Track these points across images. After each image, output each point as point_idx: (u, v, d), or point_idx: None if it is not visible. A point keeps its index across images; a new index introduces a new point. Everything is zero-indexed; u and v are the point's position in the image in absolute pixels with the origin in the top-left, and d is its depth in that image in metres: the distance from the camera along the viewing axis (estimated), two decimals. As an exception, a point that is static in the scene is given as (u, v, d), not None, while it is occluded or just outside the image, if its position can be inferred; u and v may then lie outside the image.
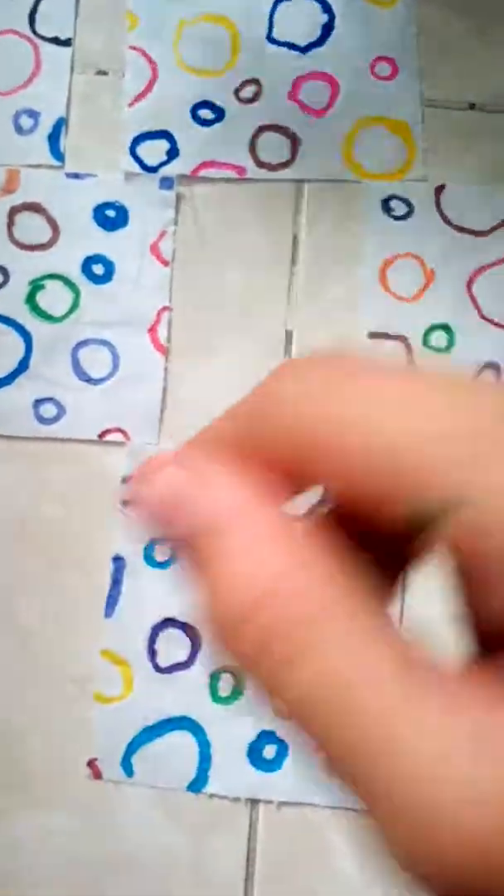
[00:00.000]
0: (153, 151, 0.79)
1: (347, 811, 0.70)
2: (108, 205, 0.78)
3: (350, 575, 0.19)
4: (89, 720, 0.70)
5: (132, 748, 0.70)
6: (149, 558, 0.72)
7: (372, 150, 0.80)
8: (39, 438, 0.74)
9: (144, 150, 0.79)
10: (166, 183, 0.78)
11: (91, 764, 0.70)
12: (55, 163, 0.78)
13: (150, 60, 0.80)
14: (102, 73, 0.81)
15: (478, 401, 0.19)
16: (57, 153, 0.78)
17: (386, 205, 0.79)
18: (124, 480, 0.73)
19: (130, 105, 0.80)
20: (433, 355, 0.76)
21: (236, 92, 0.80)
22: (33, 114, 0.79)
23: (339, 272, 0.78)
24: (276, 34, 0.82)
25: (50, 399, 0.74)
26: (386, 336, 0.76)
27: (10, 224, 0.77)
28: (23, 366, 0.75)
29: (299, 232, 0.78)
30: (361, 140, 0.80)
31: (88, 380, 0.75)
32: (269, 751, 0.70)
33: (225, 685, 0.71)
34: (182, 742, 0.70)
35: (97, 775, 0.70)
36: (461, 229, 0.79)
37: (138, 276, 0.77)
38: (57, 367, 0.75)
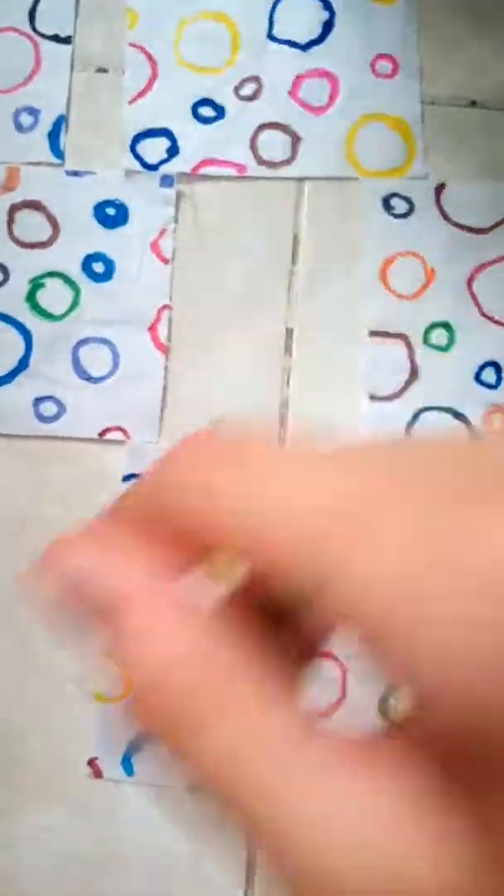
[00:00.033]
0: (153, 149, 0.79)
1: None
2: (108, 203, 0.78)
3: (251, 651, 0.20)
4: (89, 720, 0.70)
5: (132, 747, 0.70)
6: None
7: (372, 148, 0.80)
8: (39, 437, 0.74)
9: (145, 147, 0.79)
10: (166, 181, 0.78)
11: (91, 763, 0.70)
12: (55, 160, 0.78)
13: (151, 58, 0.80)
14: (102, 70, 0.80)
15: (354, 479, 0.19)
16: (57, 151, 0.78)
17: (386, 203, 0.79)
18: (125, 479, 0.73)
19: (130, 103, 0.79)
20: (434, 353, 0.76)
21: (237, 90, 0.80)
22: (33, 111, 0.79)
23: (339, 270, 0.78)
24: (276, 32, 0.82)
25: (50, 397, 0.74)
26: (386, 334, 0.76)
27: (10, 222, 0.77)
28: (23, 364, 0.75)
29: (300, 230, 0.78)
30: (362, 138, 0.80)
31: (88, 378, 0.75)
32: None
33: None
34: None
35: (97, 774, 0.70)
36: (462, 227, 0.78)
37: (138, 274, 0.77)
38: (57, 365, 0.75)
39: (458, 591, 0.16)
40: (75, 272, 0.76)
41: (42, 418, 0.74)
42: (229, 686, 0.19)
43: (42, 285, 0.76)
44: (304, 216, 0.78)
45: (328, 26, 0.82)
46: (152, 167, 0.78)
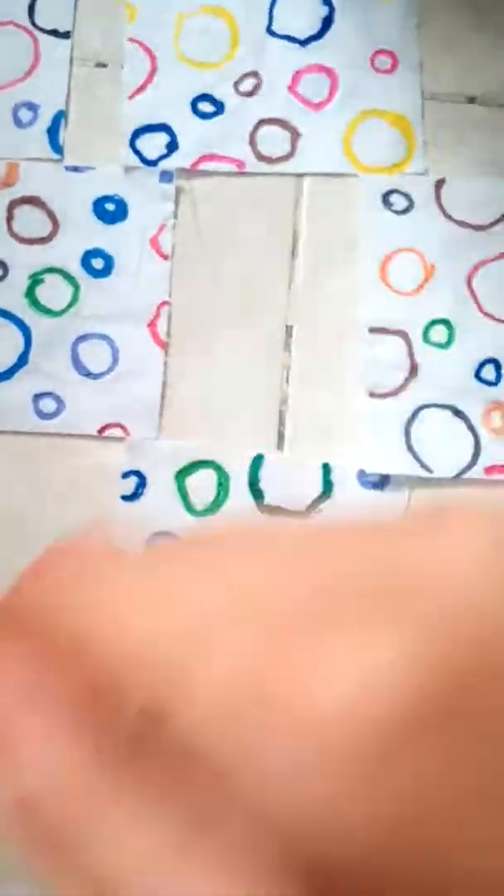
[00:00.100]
0: (153, 145, 0.78)
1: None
2: (107, 198, 0.77)
3: (119, 771, 0.20)
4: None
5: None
6: (149, 554, 0.72)
7: (372, 144, 0.80)
8: (38, 433, 0.74)
9: (144, 143, 0.78)
10: (166, 176, 0.78)
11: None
12: (54, 156, 0.78)
13: (150, 53, 0.80)
14: (102, 65, 0.80)
15: (198, 600, 0.19)
16: (56, 146, 0.78)
17: (386, 199, 0.79)
18: (124, 476, 0.73)
19: (130, 98, 0.79)
20: (434, 350, 0.76)
21: (236, 85, 0.80)
22: (32, 107, 0.78)
23: (338, 266, 0.78)
24: (275, 27, 0.81)
25: (49, 394, 0.74)
26: (386, 331, 0.76)
27: (10, 218, 0.77)
28: (22, 360, 0.75)
29: (299, 226, 0.78)
30: (361, 134, 0.80)
31: (88, 374, 0.75)
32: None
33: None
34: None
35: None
36: (462, 223, 0.78)
37: (138, 270, 0.76)
38: (56, 361, 0.75)
39: (278, 733, 0.16)
40: (75, 268, 0.76)
41: (41, 415, 0.74)
42: (102, 801, 0.19)
43: (41, 281, 0.76)
44: (303, 212, 0.78)
45: (328, 22, 0.82)
46: (151, 163, 0.78)
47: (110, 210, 0.77)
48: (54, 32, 0.80)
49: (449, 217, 0.78)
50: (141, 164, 0.78)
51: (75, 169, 0.78)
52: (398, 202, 0.79)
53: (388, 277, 0.77)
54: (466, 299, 0.77)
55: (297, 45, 0.81)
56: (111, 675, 0.19)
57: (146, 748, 0.20)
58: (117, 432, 0.74)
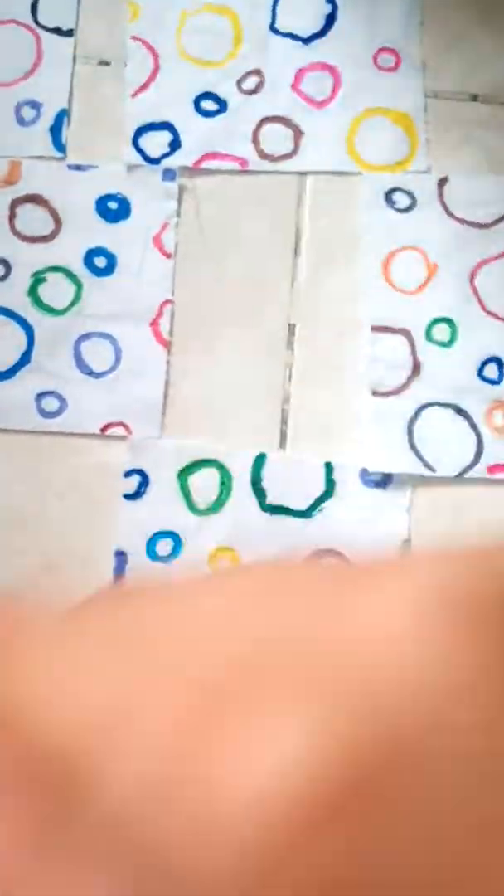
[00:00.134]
0: (155, 143, 0.78)
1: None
2: (110, 197, 0.77)
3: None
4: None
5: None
6: (151, 552, 0.72)
7: (375, 142, 0.80)
8: (41, 432, 0.74)
9: (147, 141, 0.78)
10: (169, 175, 0.78)
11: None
12: (57, 154, 0.78)
13: (153, 51, 0.80)
14: (104, 63, 0.80)
15: (115, 678, 0.18)
16: (59, 144, 0.78)
17: (388, 197, 0.78)
18: (126, 475, 0.73)
19: (133, 96, 0.79)
20: (436, 349, 0.76)
21: (239, 83, 0.80)
22: (35, 105, 0.78)
23: (341, 265, 0.77)
24: (278, 25, 0.81)
25: (52, 392, 0.74)
26: (388, 329, 0.76)
27: (12, 216, 0.77)
28: (25, 359, 0.75)
29: (302, 224, 0.78)
30: (364, 132, 0.80)
31: (90, 373, 0.75)
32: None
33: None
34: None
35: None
36: (464, 222, 0.78)
37: (140, 268, 0.76)
38: (59, 360, 0.75)
39: (185, 831, 0.16)
40: (77, 266, 0.76)
41: (44, 413, 0.74)
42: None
43: (44, 280, 0.76)
44: (306, 211, 0.78)
45: (331, 19, 0.82)
46: (154, 161, 0.78)
47: (113, 208, 0.77)
48: (57, 30, 0.80)
49: (452, 215, 0.78)
50: (144, 163, 0.78)
51: (78, 167, 0.78)
52: (401, 200, 0.79)
53: (391, 276, 0.77)
54: (469, 298, 0.77)
55: (300, 43, 0.81)
56: (27, 749, 0.18)
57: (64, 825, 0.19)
58: (120, 431, 0.74)
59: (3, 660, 0.19)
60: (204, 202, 0.78)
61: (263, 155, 0.79)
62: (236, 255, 0.77)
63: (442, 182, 0.79)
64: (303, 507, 0.73)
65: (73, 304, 0.76)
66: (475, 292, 0.77)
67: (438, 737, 0.16)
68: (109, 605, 0.21)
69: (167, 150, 0.78)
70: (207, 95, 0.80)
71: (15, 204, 0.77)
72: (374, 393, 0.75)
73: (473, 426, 0.74)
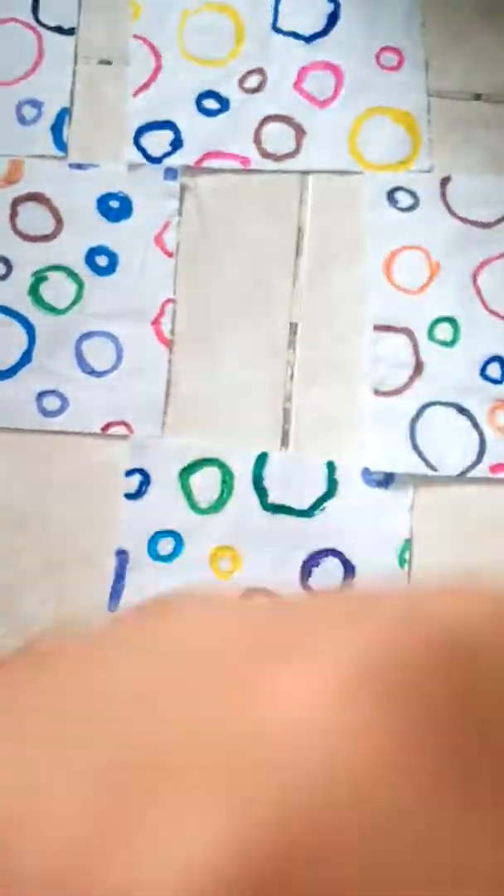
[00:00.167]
0: (157, 142, 0.78)
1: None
2: (111, 195, 0.77)
3: None
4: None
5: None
6: (152, 552, 0.72)
7: (377, 141, 0.79)
8: (42, 431, 0.74)
9: (148, 140, 0.78)
10: (170, 174, 0.78)
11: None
12: (58, 153, 0.78)
13: (154, 50, 0.80)
14: (106, 62, 0.80)
15: (34, 753, 0.17)
16: (60, 143, 0.78)
17: (391, 196, 0.78)
18: (128, 473, 0.73)
19: (134, 95, 0.79)
20: (439, 348, 0.75)
21: (241, 82, 0.80)
22: (36, 104, 0.78)
23: (343, 264, 0.77)
24: (280, 23, 0.81)
25: (53, 392, 0.74)
26: (391, 329, 0.76)
27: (14, 215, 0.76)
28: (26, 358, 0.74)
29: (304, 223, 0.78)
30: (366, 131, 0.80)
31: (92, 372, 0.75)
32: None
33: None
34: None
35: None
36: (467, 221, 0.78)
37: (142, 267, 0.76)
38: (60, 359, 0.75)
39: None
40: (78, 265, 0.76)
41: (45, 412, 0.74)
42: None
43: (45, 279, 0.76)
44: (308, 209, 0.78)
45: (333, 18, 0.81)
46: (156, 160, 0.78)
47: (114, 207, 0.77)
48: (58, 29, 0.80)
49: (454, 214, 0.78)
50: (145, 162, 0.78)
51: (79, 166, 0.78)
52: (403, 199, 0.78)
53: (393, 275, 0.77)
54: (472, 297, 0.76)
55: (303, 42, 0.81)
56: None
57: None
58: (121, 430, 0.74)
59: None
60: (205, 201, 0.78)
61: (265, 154, 0.79)
62: (238, 254, 0.77)
63: (444, 181, 0.79)
64: (304, 506, 0.73)
65: (74, 303, 0.76)
66: (478, 292, 0.77)
67: (356, 821, 0.15)
68: (21, 671, 0.20)
69: (169, 149, 0.78)
70: (209, 94, 0.80)
71: (16, 203, 0.77)
72: (376, 392, 0.75)
73: (476, 425, 0.74)
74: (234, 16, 0.81)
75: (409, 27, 0.81)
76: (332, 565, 0.72)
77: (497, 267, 0.77)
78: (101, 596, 0.71)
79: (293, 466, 0.73)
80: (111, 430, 0.74)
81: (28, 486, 0.73)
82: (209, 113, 0.79)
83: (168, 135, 0.78)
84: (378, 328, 0.76)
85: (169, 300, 0.76)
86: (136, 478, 0.73)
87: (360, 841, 0.15)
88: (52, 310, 0.75)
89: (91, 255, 0.76)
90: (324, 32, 0.81)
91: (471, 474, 0.73)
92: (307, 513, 0.73)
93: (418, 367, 0.75)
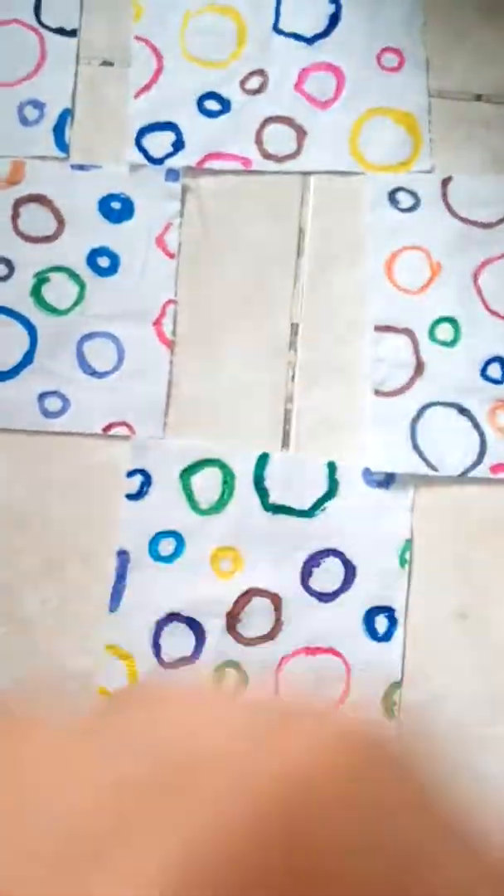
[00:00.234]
0: (159, 143, 0.78)
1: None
2: (113, 197, 0.77)
3: None
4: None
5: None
6: (153, 552, 0.72)
7: (378, 142, 0.80)
8: (44, 432, 0.74)
9: (150, 141, 0.78)
10: (172, 175, 0.78)
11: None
12: (60, 154, 0.78)
13: (156, 51, 0.80)
14: (108, 63, 0.80)
15: None
16: (62, 144, 0.78)
17: (392, 197, 0.78)
18: (129, 474, 0.73)
19: (136, 96, 0.79)
20: (439, 348, 0.76)
21: (242, 83, 0.80)
22: (38, 105, 0.78)
23: (344, 265, 0.77)
24: (282, 25, 0.81)
25: (55, 392, 0.74)
26: (392, 329, 0.76)
27: (15, 216, 0.77)
28: (28, 359, 0.75)
29: (305, 224, 0.78)
30: (368, 132, 0.80)
31: (93, 373, 0.75)
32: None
33: (229, 680, 0.71)
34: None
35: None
36: (468, 221, 0.78)
37: (143, 268, 0.76)
38: (62, 360, 0.75)
39: None
40: (80, 266, 0.76)
41: (47, 413, 0.74)
42: None
43: (47, 280, 0.76)
44: (309, 210, 0.78)
45: (334, 19, 0.81)
46: (158, 161, 0.78)
47: (116, 208, 0.77)
48: (60, 31, 0.80)
49: (455, 215, 0.78)
50: (147, 163, 0.78)
51: (81, 167, 0.78)
52: (404, 200, 0.78)
53: (394, 275, 0.77)
54: (472, 297, 0.77)
55: (304, 43, 0.81)
56: None
57: None
58: (122, 431, 0.74)
59: None
60: (207, 202, 0.78)
61: (267, 155, 0.79)
62: (239, 255, 0.77)
63: (445, 182, 0.79)
64: (305, 506, 0.73)
65: (75, 303, 0.76)
66: (478, 292, 0.77)
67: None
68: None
69: (170, 150, 0.78)
70: (211, 95, 0.80)
71: (18, 204, 0.77)
72: (377, 393, 0.75)
73: (476, 426, 0.74)
74: (236, 17, 0.81)
75: (409, 28, 0.81)
76: (332, 565, 0.72)
77: (498, 267, 0.77)
78: (103, 596, 0.71)
79: (294, 467, 0.73)
80: (112, 431, 0.74)
81: (29, 486, 0.73)
82: (210, 114, 0.79)
83: (169, 136, 0.79)
84: (379, 329, 0.76)
85: (170, 301, 0.76)
86: (138, 478, 0.73)
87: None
88: (53, 311, 0.75)
89: (92, 256, 0.76)
90: (325, 34, 0.81)
91: (471, 474, 0.73)
92: (308, 513, 0.73)
93: (419, 368, 0.75)
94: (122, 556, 0.72)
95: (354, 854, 0.17)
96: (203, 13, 0.81)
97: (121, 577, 0.72)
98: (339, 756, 0.18)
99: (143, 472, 0.73)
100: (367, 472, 0.73)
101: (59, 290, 0.76)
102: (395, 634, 0.71)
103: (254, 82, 0.80)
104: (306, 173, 0.79)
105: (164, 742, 0.19)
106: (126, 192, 0.78)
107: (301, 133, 0.79)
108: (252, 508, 0.73)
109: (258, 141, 0.79)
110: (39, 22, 0.80)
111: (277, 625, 0.71)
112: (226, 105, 0.80)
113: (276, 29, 0.81)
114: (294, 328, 0.76)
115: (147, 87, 0.79)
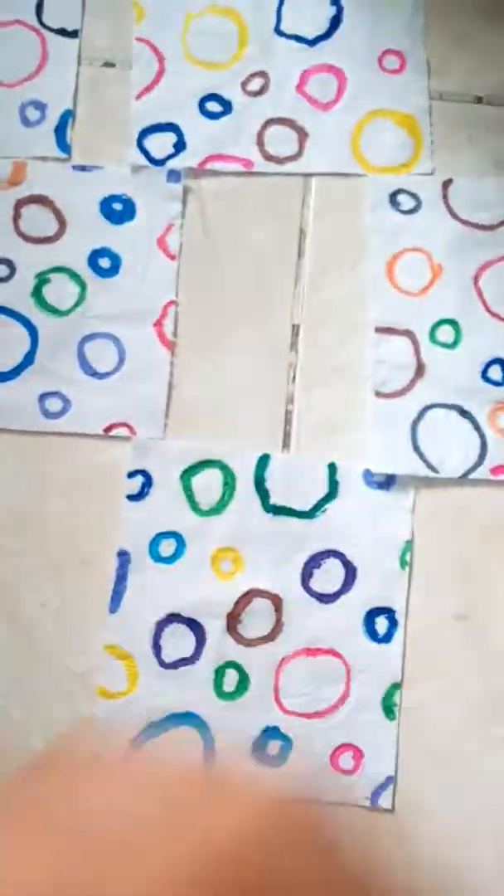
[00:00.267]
0: (160, 144, 0.78)
1: (352, 808, 0.70)
2: (114, 198, 0.77)
3: None
4: (93, 716, 0.70)
5: (136, 744, 0.70)
6: (154, 553, 0.72)
7: (379, 144, 0.80)
8: (44, 433, 0.74)
9: (151, 142, 0.78)
10: (173, 176, 0.78)
11: (95, 759, 0.70)
12: (62, 155, 0.78)
13: (158, 52, 0.80)
14: (109, 64, 0.80)
15: None
16: (63, 145, 0.78)
17: (393, 199, 0.78)
18: (130, 475, 0.73)
19: (138, 97, 0.79)
20: (440, 350, 0.76)
21: (243, 85, 0.80)
22: (40, 105, 0.79)
23: (345, 266, 0.77)
24: (283, 26, 0.81)
25: (55, 393, 0.74)
26: (392, 331, 0.76)
27: (17, 217, 0.77)
28: (28, 360, 0.75)
29: (306, 226, 0.78)
30: (369, 133, 0.80)
31: (94, 374, 0.75)
32: (274, 747, 0.70)
33: (230, 681, 0.71)
34: (186, 738, 0.70)
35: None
36: (468, 223, 0.78)
37: (145, 269, 0.77)
38: (63, 361, 0.75)
39: None
40: (81, 267, 0.76)
41: (48, 414, 0.74)
42: None
43: (48, 280, 0.76)
44: (310, 212, 0.78)
45: (336, 21, 0.82)
46: (159, 162, 0.78)
47: (117, 209, 0.77)
48: (62, 31, 0.80)
49: (456, 217, 0.78)
50: (148, 164, 0.78)
51: (82, 168, 0.78)
52: (405, 202, 0.79)
53: (395, 277, 0.77)
54: (473, 299, 0.77)
55: (305, 45, 0.81)
56: None
57: None
58: (123, 432, 0.74)
59: None
60: (208, 203, 0.78)
61: (268, 157, 0.79)
62: (240, 257, 0.77)
63: (446, 184, 0.79)
64: (306, 507, 0.73)
65: (76, 304, 0.76)
66: (479, 294, 0.77)
67: None
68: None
69: (172, 151, 0.78)
70: (212, 97, 0.80)
71: (19, 204, 0.77)
72: (378, 394, 0.75)
73: (477, 427, 0.74)
74: (238, 19, 0.81)
75: (411, 30, 0.82)
76: (333, 566, 0.72)
77: (499, 269, 0.77)
78: (103, 597, 0.71)
79: (295, 468, 0.74)
80: (113, 432, 0.74)
81: (30, 487, 0.73)
82: (212, 115, 0.79)
83: (171, 137, 0.79)
84: (380, 330, 0.76)
85: (171, 302, 0.76)
86: (138, 479, 0.73)
87: None
88: (54, 311, 0.76)
89: (94, 257, 0.76)
90: (326, 35, 0.81)
91: (472, 476, 0.73)
92: (309, 514, 0.73)
93: (420, 370, 0.75)
94: (123, 556, 0.72)
95: None
96: (204, 15, 0.81)
97: (121, 577, 0.72)
98: (263, 829, 0.20)
99: (143, 472, 0.73)
100: (367, 474, 0.73)
101: (60, 291, 0.76)
102: (395, 636, 0.71)
103: (255, 84, 0.80)
104: (307, 175, 0.79)
105: (94, 819, 0.20)
106: (127, 193, 0.78)
107: (302, 135, 0.79)
108: (253, 509, 0.73)
109: (259, 142, 0.79)
110: (41, 23, 0.80)
111: (278, 626, 0.72)
112: (227, 106, 0.80)
113: (278, 31, 0.81)
114: (295, 329, 0.76)
115: (148, 89, 0.79)
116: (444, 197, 0.79)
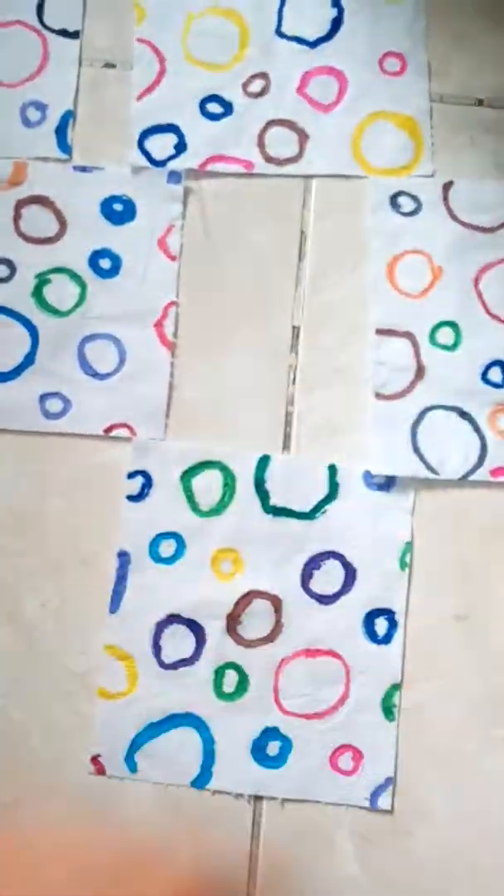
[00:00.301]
0: (161, 145, 0.78)
1: (350, 808, 0.70)
2: (115, 198, 0.77)
3: None
4: (92, 716, 0.70)
5: (136, 744, 0.70)
6: (154, 553, 0.72)
7: (380, 146, 0.80)
8: (45, 433, 0.74)
9: (152, 143, 0.78)
10: (174, 177, 0.78)
11: (94, 760, 0.70)
12: (62, 156, 0.78)
13: (159, 54, 0.80)
14: (110, 65, 0.80)
15: None
16: (64, 146, 0.78)
17: (394, 201, 0.79)
18: (130, 476, 0.73)
19: (138, 98, 0.79)
20: (440, 352, 0.76)
21: (244, 86, 0.80)
22: (40, 106, 0.79)
23: (346, 268, 0.78)
24: (284, 28, 0.81)
25: (56, 394, 0.74)
26: (393, 333, 0.76)
27: (17, 217, 0.77)
28: (29, 360, 0.75)
29: (307, 227, 0.78)
30: (369, 135, 0.80)
31: (94, 374, 0.75)
32: (273, 747, 0.70)
33: (229, 681, 0.71)
34: (186, 738, 0.70)
35: (100, 771, 0.70)
36: (469, 226, 0.78)
37: (145, 270, 0.77)
38: (63, 361, 0.75)
39: None
40: (82, 268, 0.76)
41: (48, 414, 0.74)
42: None
43: (48, 281, 0.76)
44: (311, 214, 0.78)
45: (337, 23, 0.82)
46: (160, 163, 0.78)
47: (118, 210, 0.77)
48: (63, 32, 0.80)
49: (456, 219, 0.78)
50: (149, 165, 0.78)
51: (83, 169, 0.78)
52: (406, 204, 0.79)
53: (396, 279, 0.77)
54: (473, 301, 0.77)
55: (306, 47, 0.81)
56: None
57: None
58: (123, 432, 0.74)
59: None
60: (209, 205, 0.78)
61: (269, 158, 0.79)
62: (241, 258, 0.77)
63: (447, 186, 0.79)
64: (306, 509, 0.73)
65: (77, 305, 0.76)
66: (479, 296, 0.77)
67: None
68: None
69: (173, 152, 0.78)
70: (213, 98, 0.80)
71: (20, 205, 0.77)
72: (378, 396, 0.75)
73: (477, 429, 0.74)
74: (239, 20, 0.81)
75: (412, 32, 0.82)
76: (333, 567, 0.72)
77: (498, 271, 0.77)
78: (103, 597, 0.71)
79: (295, 469, 0.74)
80: (114, 433, 0.74)
81: (30, 487, 0.73)
82: (213, 117, 0.79)
83: (172, 138, 0.79)
84: (380, 332, 0.76)
85: (171, 303, 0.76)
86: (139, 480, 0.73)
87: None
88: (55, 312, 0.76)
89: (94, 257, 0.76)
90: (327, 37, 0.81)
91: (472, 478, 0.73)
92: (309, 515, 0.73)
93: (420, 371, 0.75)
94: (123, 557, 0.72)
95: None
96: (205, 15, 0.81)
97: (121, 578, 0.72)
98: None
99: (143, 473, 0.73)
100: (367, 475, 0.73)
101: (61, 292, 0.76)
102: (394, 636, 0.72)
103: (256, 85, 0.80)
104: (308, 176, 0.79)
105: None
106: (128, 194, 0.78)
107: (303, 136, 0.79)
108: (253, 510, 0.73)
109: (260, 144, 0.79)
110: (42, 23, 0.80)
111: (277, 627, 0.72)
112: (228, 108, 0.80)
113: (279, 32, 0.81)
114: (295, 331, 0.76)
115: (149, 90, 0.80)
116: (445, 199, 0.79)
